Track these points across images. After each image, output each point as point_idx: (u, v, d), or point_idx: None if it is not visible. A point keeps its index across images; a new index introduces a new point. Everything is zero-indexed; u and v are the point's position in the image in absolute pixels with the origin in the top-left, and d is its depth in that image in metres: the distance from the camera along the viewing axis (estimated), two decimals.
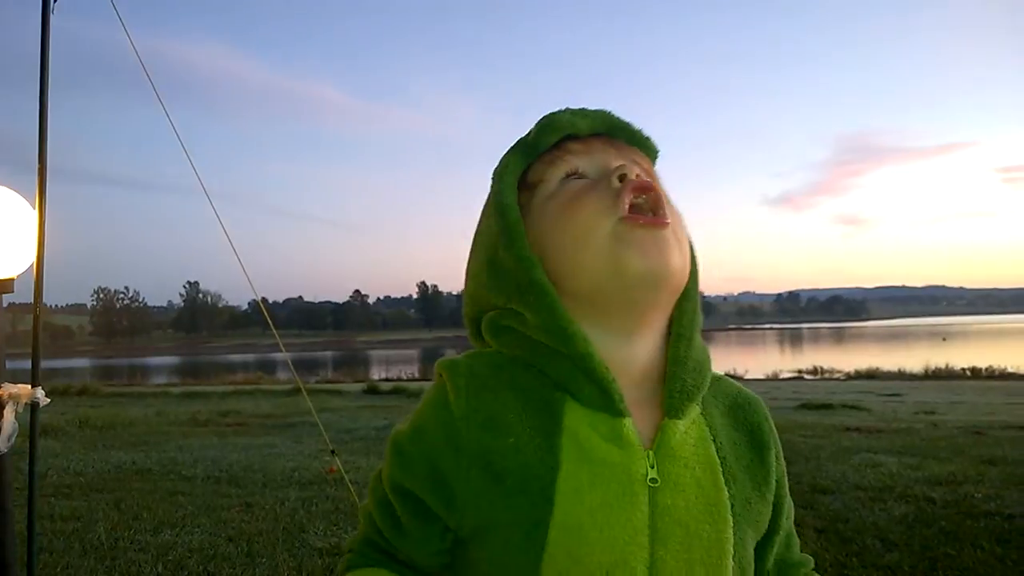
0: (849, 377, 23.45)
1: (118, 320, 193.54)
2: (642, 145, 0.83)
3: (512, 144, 0.83)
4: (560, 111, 0.81)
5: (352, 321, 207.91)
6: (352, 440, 7.84)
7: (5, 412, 1.90)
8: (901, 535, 4.02)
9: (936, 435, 7.47)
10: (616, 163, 0.77)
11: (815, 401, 11.74)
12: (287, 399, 13.47)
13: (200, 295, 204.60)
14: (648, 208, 0.73)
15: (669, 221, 0.73)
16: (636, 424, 0.72)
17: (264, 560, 3.88)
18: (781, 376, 25.15)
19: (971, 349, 41.80)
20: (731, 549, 0.72)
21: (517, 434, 0.72)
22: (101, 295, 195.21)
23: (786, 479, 0.84)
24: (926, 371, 22.83)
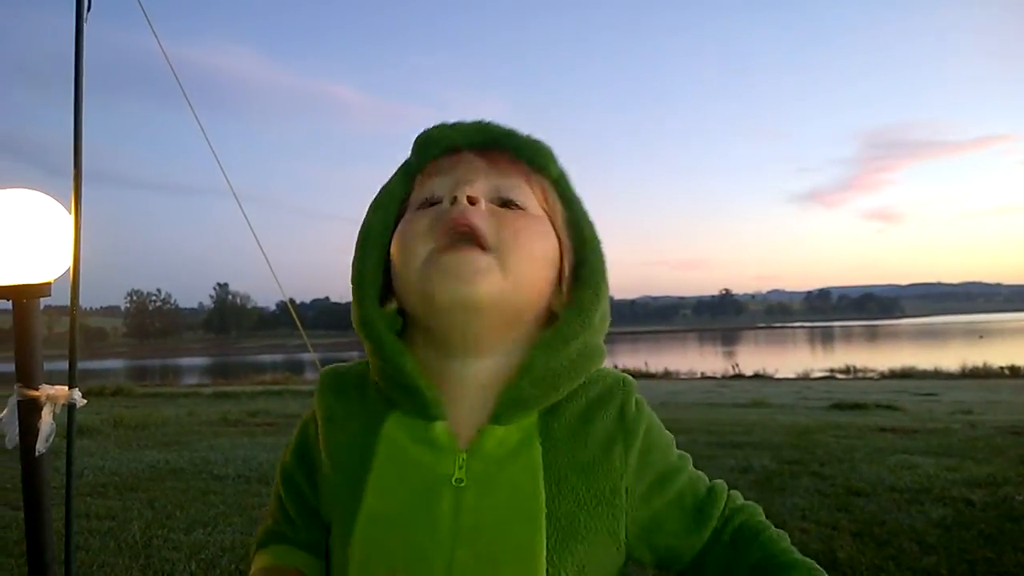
0: (883, 376, 23.11)
1: (150, 322, 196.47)
2: (527, 153, 0.81)
3: (392, 178, 0.85)
4: (436, 126, 0.82)
5: None
6: None
7: (43, 413, 1.92)
8: (939, 538, 3.95)
9: (974, 435, 7.32)
10: (460, 185, 0.77)
11: (848, 401, 11.58)
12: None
13: (230, 297, 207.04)
14: (469, 234, 0.74)
15: (479, 247, 0.74)
16: (457, 429, 0.77)
17: None
18: (812, 376, 24.86)
19: (1009, 347, 41.00)
20: (543, 553, 0.71)
21: (348, 432, 0.80)
22: (134, 297, 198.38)
23: (665, 448, 0.83)
24: (963, 370, 22.44)
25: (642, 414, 0.81)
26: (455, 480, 0.74)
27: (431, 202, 0.79)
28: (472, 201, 0.75)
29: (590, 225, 0.83)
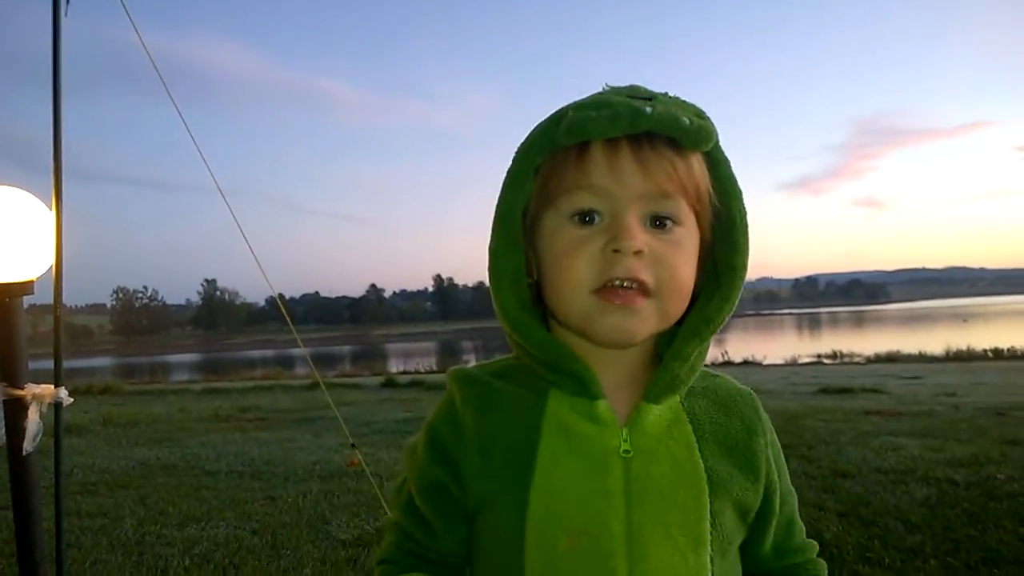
0: (869, 361, 23.27)
1: (138, 319, 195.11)
2: (689, 143, 0.78)
3: (536, 129, 0.83)
4: (594, 113, 0.77)
5: (369, 315, 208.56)
6: (371, 433, 7.88)
7: (29, 412, 1.92)
8: (923, 517, 4.00)
9: (958, 417, 7.41)
10: (624, 216, 0.78)
11: (835, 385, 11.65)
12: (306, 394, 13.55)
13: (218, 292, 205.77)
14: (630, 282, 0.77)
15: (641, 300, 0.78)
16: (615, 406, 0.82)
17: (288, 552, 3.92)
18: (800, 361, 24.98)
19: (993, 330, 41.38)
20: (708, 515, 0.80)
21: (504, 414, 0.84)
22: (120, 295, 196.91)
23: (786, 471, 0.92)
24: (947, 353, 22.63)
25: (770, 424, 0.91)
26: (622, 452, 0.80)
27: (585, 216, 0.79)
28: (638, 254, 0.77)
29: (738, 199, 0.84)
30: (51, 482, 2.07)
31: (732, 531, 0.83)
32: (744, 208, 0.84)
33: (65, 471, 2.09)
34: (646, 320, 0.79)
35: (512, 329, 0.84)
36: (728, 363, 23.94)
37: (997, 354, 21.81)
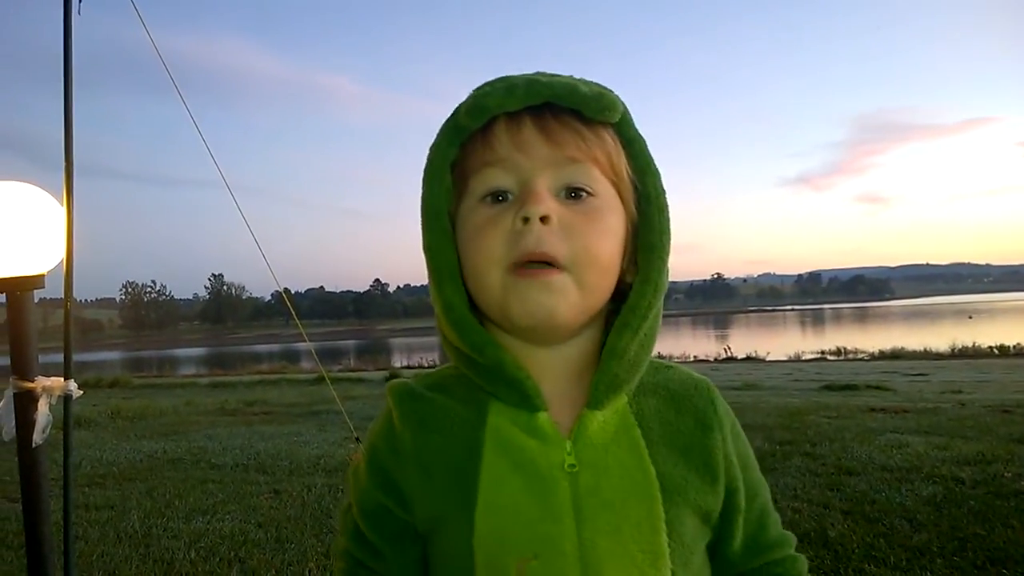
0: (873, 357, 23.22)
1: (146, 313, 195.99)
2: (592, 110, 0.75)
3: (445, 121, 0.80)
4: (489, 88, 0.76)
5: (373, 310, 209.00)
6: None
7: (39, 405, 1.93)
8: (929, 516, 4.00)
9: (963, 414, 7.39)
10: (531, 185, 0.74)
11: (839, 382, 11.64)
12: (311, 388, 13.60)
13: (225, 287, 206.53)
14: (541, 257, 0.73)
15: (555, 274, 0.73)
16: (557, 416, 0.78)
17: (293, 545, 3.94)
18: (803, 357, 24.97)
19: (998, 327, 41.31)
20: (663, 526, 0.75)
21: (444, 432, 0.80)
22: (129, 289, 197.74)
23: (752, 461, 0.88)
24: (952, 350, 22.59)
25: (731, 415, 0.86)
26: (567, 466, 0.76)
27: (496, 194, 0.76)
28: (545, 220, 0.73)
29: (653, 176, 0.80)
30: (59, 474, 2.09)
31: (693, 538, 0.79)
32: (660, 186, 0.79)
33: (73, 463, 2.09)
34: (565, 294, 0.73)
35: (454, 329, 0.78)
36: (731, 359, 23.94)
37: (1003, 351, 21.75)
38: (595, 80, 0.80)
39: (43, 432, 1.94)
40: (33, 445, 1.93)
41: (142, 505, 4.86)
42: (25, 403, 1.93)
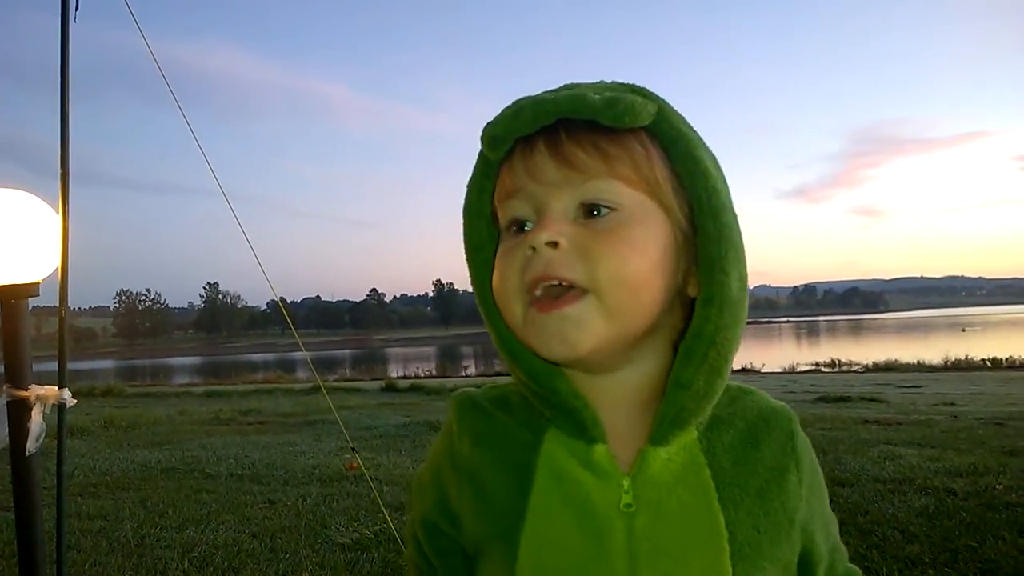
0: (867, 369, 23.27)
1: (140, 322, 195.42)
2: (606, 121, 0.68)
3: (476, 162, 0.77)
4: (498, 116, 0.72)
5: (369, 319, 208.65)
6: (371, 437, 7.88)
7: (33, 413, 1.93)
8: (922, 527, 4.00)
9: (956, 427, 7.41)
10: (545, 212, 0.70)
11: (833, 394, 11.67)
12: (307, 397, 13.56)
13: (220, 296, 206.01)
14: (551, 281, 0.68)
15: (572, 302, 0.67)
16: (616, 449, 0.72)
17: (287, 556, 3.92)
18: (798, 369, 25.03)
19: (991, 340, 41.46)
20: None
21: (499, 451, 0.76)
22: (123, 298, 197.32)
23: (825, 497, 0.81)
24: (946, 362, 22.66)
25: (809, 450, 0.79)
26: (624, 506, 0.70)
27: (517, 224, 0.72)
28: (555, 244, 0.67)
29: (703, 176, 0.70)
30: (52, 483, 2.08)
31: None
32: (713, 187, 0.70)
33: (66, 473, 2.09)
34: (587, 324, 0.67)
35: (507, 357, 0.75)
36: None
37: (995, 364, 21.85)
38: (624, 80, 0.75)
39: (36, 441, 1.93)
40: (26, 454, 1.92)
41: (135, 515, 4.84)
42: (19, 412, 1.93)
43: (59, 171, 2.00)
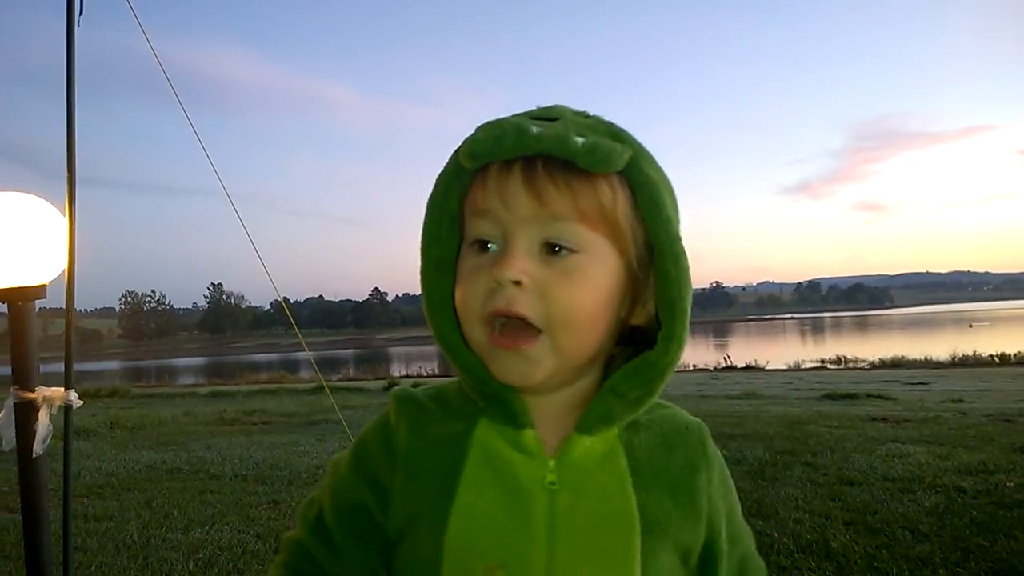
0: (873, 366, 23.18)
1: (145, 323, 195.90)
2: (584, 164, 0.73)
3: (448, 161, 0.80)
4: (482, 135, 0.75)
5: (372, 319, 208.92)
6: None
7: (40, 415, 1.93)
8: (931, 526, 3.99)
9: (965, 424, 7.38)
10: (510, 243, 0.74)
11: (839, 391, 11.63)
12: (310, 397, 13.57)
13: (224, 297, 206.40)
14: (510, 319, 0.74)
15: (529, 341, 0.74)
16: (547, 435, 0.79)
17: None
18: (803, 366, 24.92)
19: (999, 335, 41.29)
20: (637, 556, 0.75)
21: (434, 438, 0.82)
22: (129, 299, 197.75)
23: (737, 507, 0.88)
24: (953, 358, 22.55)
25: (720, 459, 0.86)
26: (548, 483, 0.77)
27: (481, 243, 0.77)
28: (518, 282, 0.73)
29: (664, 223, 0.76)
30: (58, 484, 2.08)
31: (666, 573, 0.78)
32: (674, 234, 0.76)
33: (72, 474, 2.09)
34: (539, 361, 0.74)
35: (446, 351, 0.81)
36: (731, 368, 23.92)
37: (1003, 359, 21.70)
38: (604, 116, 0.79)
39: (43, 442, 1.93)
40: (33, 455, 1.93)
41: (141, 516, 4.84)
42: (26, 413, 1.93)
43: (66, 174, 2.00)
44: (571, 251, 0.74)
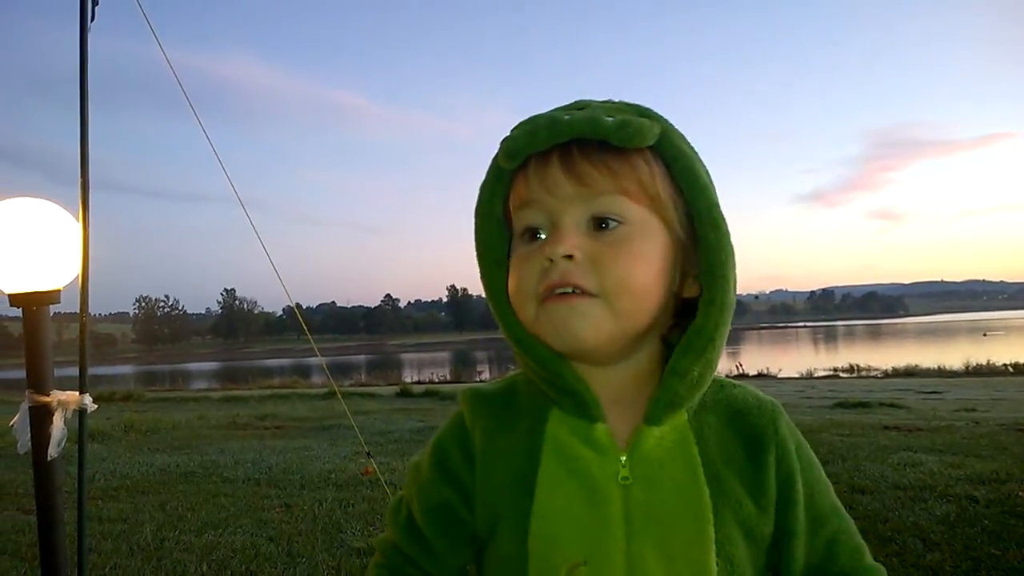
0: (887, 375, 22.99)
1: (159, 328, 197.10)
2: (616, 141, 0.75)
3: (489, 168, 0.83)
4: (517, 131, 0.79)
5: (384, 325, 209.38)
6: (386, 442, 7.90)
7: (55, 419, 1.95)
8: (943, 535, 3.96)
9: (978, 433, 7.32)
10: (559, 224, 0.77)
11: (852, 399, 11.53)
12: (322, 402, 13.60)
13: (237, 302, 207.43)
14: (566, 287, 0.75)
15: (579, 295, 0.75)
16: (615, 428, 0.80)
17: (304, 560, 3.94)
18: (816, 375, 24.75)
19: (1013, 344, 40.85)
20: (712, 545, 0.76)
21: (508, 435, 0.83)
22: (143, 304, 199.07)
23: (822, 488, 0.84)
24: (967, 367, 22.33)
25: (795, 435, 0.85)
26: (621, 479, 0.78)
27: (531, 232, 0.79)
28: (569, 257, 0.75)
29: (701, 190, 0.79)
30: (73, 487, 2.10)
31: (743, 559, 0.78)
32: (711, 200, 0.78)
33: (87, 476, 2.11)
34: (593, 318, 0.75)
35: (515, 344, 0.82)
36: (743, 375, 23.79)
37: (1018, 369, 21.47)
38: (630, 100, 0.81)
39: (58, 446, 1.95)
40: (48, 458, 1.95)
41: (155, 518, 4.88)
42: (40, 417, 1.95)
43: (79, 180, 2.03)
44: (618, 223, 0.76)
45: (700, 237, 0.78)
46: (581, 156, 0.76)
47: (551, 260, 0.75)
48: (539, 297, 0.77)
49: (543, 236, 0.78)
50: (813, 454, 0.86)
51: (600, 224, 0.76)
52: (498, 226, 0.84)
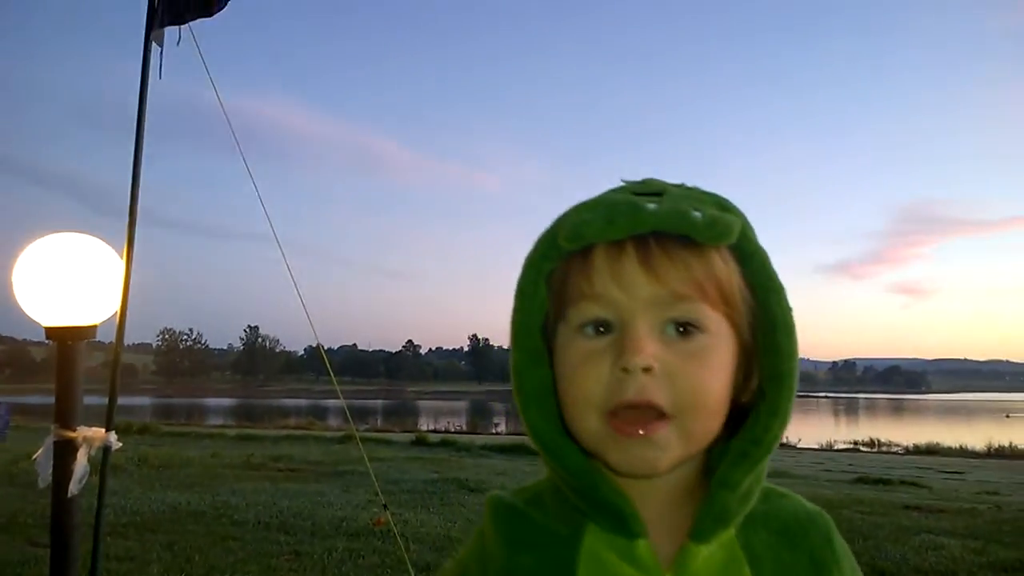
0: (908, 451, 22.59)
1: (180, 360, 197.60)
2: (704, 238, 0.69)
3: (542, 234, 0.76)
4: (589, 215, 0.71)
5: (403, 370, 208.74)
6: (399, 492, 7.83)
7: (79, 455, 1.95)
8: None
9: (1001, 518, 7.14)
10: (632, 328, 0.69)
11: (872, 475, 11.33)
12: (337, 446, 13.54)
13: (260, 339, 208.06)
14: (641, 407, 0.68)
15: (659, 427, 0.68)
16: (658, 542, 0.72)
17: None
18: (836, 447, 24.35)
19: None
20: None
21: (537, 552, 0.75)
22: (166, 336, 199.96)
23: None
24: (988, 449, 21.90)
25: (849, 555, 0.78)
26: None
27: (595, 325, 0.71)
28: (648, 368, 0.68)
29: (777, 293, 0.73)
30: (86, 520, 2.09)
31: None
32: (786, 305, 0.72)
33: (104, 514, 2.11)
34: (668, 448, 0.68)
35: (544, 451, 0.75)
36: None
37: None
38: (709, 189, 0.76)
39: (79, 482, 1.95)
40: (68, 495, 1.95)
41: (162, 558, 4.85)
42: (64, 452, 1.95)
43: (127, 220, 2.07)
44: (699, 331, 0.69)
45: (773, 344, 0.72)
46: (661, 252, 0.69)
47: (625, 370, 0.68)
48: (605, 409, 0.69)
49: (607, 333, 0.71)
50: (857, 566, 0.79)
51: (678, 329, 0.69)
52: (539, 308, 0.75)
